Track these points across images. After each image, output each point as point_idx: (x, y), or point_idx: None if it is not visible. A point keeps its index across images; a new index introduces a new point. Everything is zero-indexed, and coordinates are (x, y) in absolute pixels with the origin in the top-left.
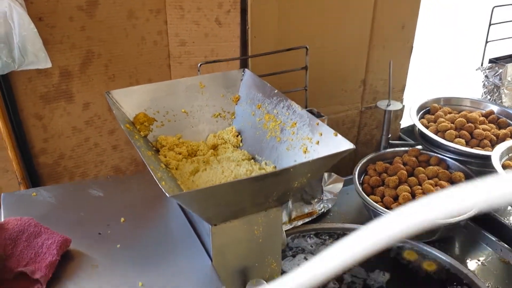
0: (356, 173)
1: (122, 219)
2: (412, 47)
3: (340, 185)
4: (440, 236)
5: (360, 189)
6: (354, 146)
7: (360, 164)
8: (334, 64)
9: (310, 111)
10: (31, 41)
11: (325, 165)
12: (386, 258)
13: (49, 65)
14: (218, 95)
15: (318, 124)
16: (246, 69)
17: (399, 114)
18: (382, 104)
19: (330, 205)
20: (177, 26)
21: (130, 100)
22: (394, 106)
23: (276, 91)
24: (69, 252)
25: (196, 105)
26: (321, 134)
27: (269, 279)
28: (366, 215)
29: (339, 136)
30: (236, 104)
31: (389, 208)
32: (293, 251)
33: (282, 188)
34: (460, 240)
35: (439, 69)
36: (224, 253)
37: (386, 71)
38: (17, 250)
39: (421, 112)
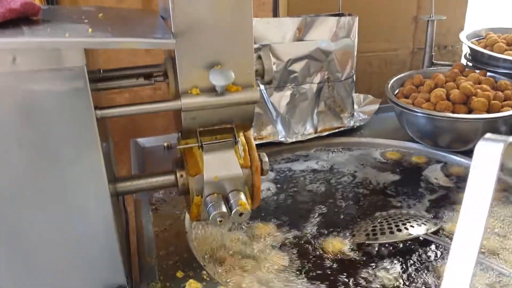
0: (391, 82)
1: (101, 15)
2: None
3: (375, 106)
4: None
5: (390, 92)
6: None
7: (397, 77)
8: None
9: (341, 14)
10: None
11: None
12: (401, 165)
13: None
14: None
15: None
16: None
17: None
18: (425, 16)
19: (362, 123)
20: None
21: None
22: (437, 17)
23: None
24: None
25: None
26: None
27: (240, 78)
28: (400, 133)
29: None
30: None
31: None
32: (306, 157)
33: None
34: None
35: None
36: (188, 35)
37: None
38: None
39: (474, 39)
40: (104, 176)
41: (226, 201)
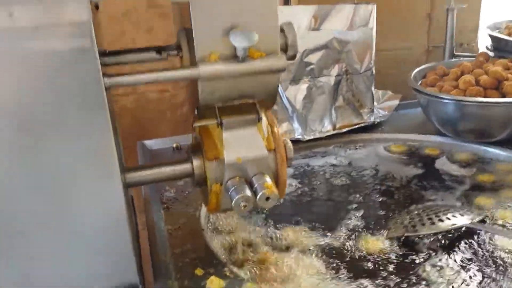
0: (413, 73)
1: None
2: None
3: (395, 102)
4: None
5: (414, 82)
6: None
7: (419, 68)
8: None
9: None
10: None
11: None
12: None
13: None
14: None
15: None
16: None
17: None
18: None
19: (382, 119)
20: None
21: None
22: (458, 6)
23: None
24: None
25: None
26: None
27: (263, 43)
28: (423, 128)
29: None
30: None
31: None
32: (324, 154)
33: None
34: None
35: None
36: None
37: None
38: None
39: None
40: (114, 152)
41: (250, 186)
